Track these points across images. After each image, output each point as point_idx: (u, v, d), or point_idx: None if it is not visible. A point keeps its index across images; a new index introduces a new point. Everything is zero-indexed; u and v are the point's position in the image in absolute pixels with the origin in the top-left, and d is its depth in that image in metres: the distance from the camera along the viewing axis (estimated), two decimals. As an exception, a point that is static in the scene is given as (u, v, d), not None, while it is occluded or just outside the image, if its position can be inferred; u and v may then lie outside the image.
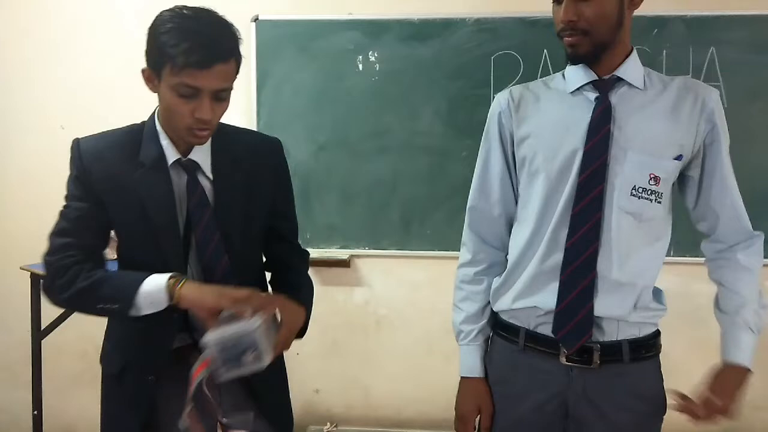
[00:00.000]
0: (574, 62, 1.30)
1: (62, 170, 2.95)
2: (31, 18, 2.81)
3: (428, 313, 2.75)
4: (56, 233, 1.29)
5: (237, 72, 1.21)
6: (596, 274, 1.26)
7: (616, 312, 1.28)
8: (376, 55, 2.66)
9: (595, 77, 1.30)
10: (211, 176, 1.29)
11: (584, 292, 1.26)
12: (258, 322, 1.13)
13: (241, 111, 2.59)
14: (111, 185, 1.25)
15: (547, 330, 1.31)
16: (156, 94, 1.24)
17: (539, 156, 1.32)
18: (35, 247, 2.57)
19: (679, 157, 1.28)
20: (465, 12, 2.61)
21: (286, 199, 1.44)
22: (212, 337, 1.11)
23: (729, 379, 1.28)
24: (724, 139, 1.31)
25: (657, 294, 1.35)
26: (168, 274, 1.20)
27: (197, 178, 1.28)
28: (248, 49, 2.65)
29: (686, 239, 2.59)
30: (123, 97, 2.78)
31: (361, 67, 2.67)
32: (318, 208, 2.72)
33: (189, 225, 1.28)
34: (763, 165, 2.59)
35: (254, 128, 2.54)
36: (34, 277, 2.09)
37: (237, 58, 1.19)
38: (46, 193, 2.82)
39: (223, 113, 1.23)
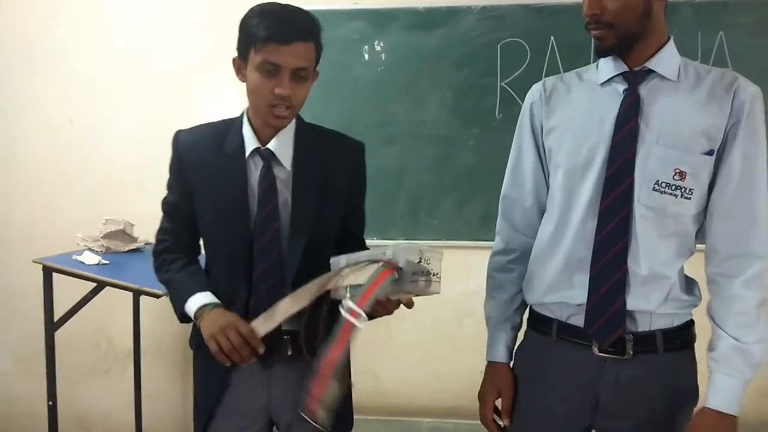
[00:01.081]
0: (602, 55, 1.28)
1: (72, 163, 2.99)
2: (40, 13, 2.82)
3: (437, 301, 2.74)
4: (162, 213, 1.47)
5: (317, 57, 1.30)
6: (627, 268, 1.25)
7: (647, 306, 1.26)
8: (381, 44, 2.66)
9: (626, 68, 1.27)
10: (289, 168, 1.35)
11: (615, 286, 1.25)
12: (442, 251, 1.15)
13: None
14: (198, 172, 1.36)
15: (579, 321, 1.30)
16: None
17: (563, 149, 1.32)
18: (47, 240, 2.62)
19: (710, 152, 1.22)
20: (470, 0, 2.59)
21: (360, 200, 1.49)
22: (398, 251, 1.12)
23: (707, 425, 1.23)
24: (754, 139, 1.22)
25: (690, 284, 1.33)
26: (202, 302, 1.31)
27: (271, 167, 1.34)
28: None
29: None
30: (131, 92, 2.81)
31: (367, 56, 2.67)
32: (326, 199, 2.72)
33: None
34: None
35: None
36: (47, 270, 2.11)
37: (316, 41, 1.28)
38: (57, 186, 2.86)
39: (303, 96, 1.30)
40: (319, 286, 1.20)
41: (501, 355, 1.42)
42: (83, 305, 2.19)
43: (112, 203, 2.77)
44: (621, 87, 1.28)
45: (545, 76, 2.65)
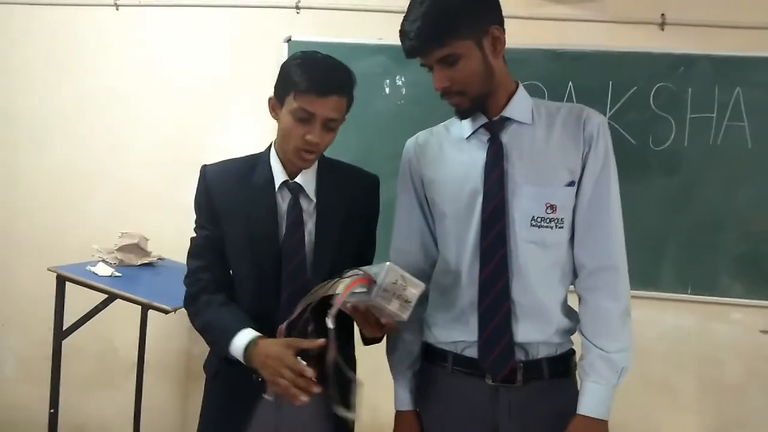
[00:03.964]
0: (463, 117, 1.39)
1: (86, 173, 3.05)
2: (67, 27, 2.92)
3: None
4: (191, 255, 1.48)
5: (347, 110, 1.40)
6: (512, 302, 1.32)
7: (537, 336, 1.34)
8: (402, 79, 2.72)
9: (486, 120, 1.38)
10: (314, 198, 1.43)
11: (502, 322, 1.32)
12: (422, 286, 1.22)
13: (269, 128, 2.64)
14: (226, 203, 1.43)
15: (473, 353, 1.36)
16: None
17: (444, 200, 1.41)
18: (61, 249, 2.67)
19: (571, 183, 1.33)
20: (492, 42, 2.65)
21: (374, 229, 1.56)
22: (383, 268, 1.19)
23: (580, 430, 1.30)
24: (602, 162, 1.33)
25: (570, 313, 1.40)
26: (250, 337, 1.32)
27: (299, 199, 1.43)
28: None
29: (705, 278, 2.60)
30: (153, 109, 2.88)
31: (388, 90, 2.73)
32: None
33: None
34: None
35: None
36: (60, 279, 2.14)
37: (350, 96, 1.38)
38: (72, 195, 2.92)
39: (329, 143, 1.38)
40: (316, 295, 1.30)
41: (406, 403, 1.47)
42: (93, 315, 2.21)
43: (129, 217, 2.83)
44: (485, 137, 1.38)
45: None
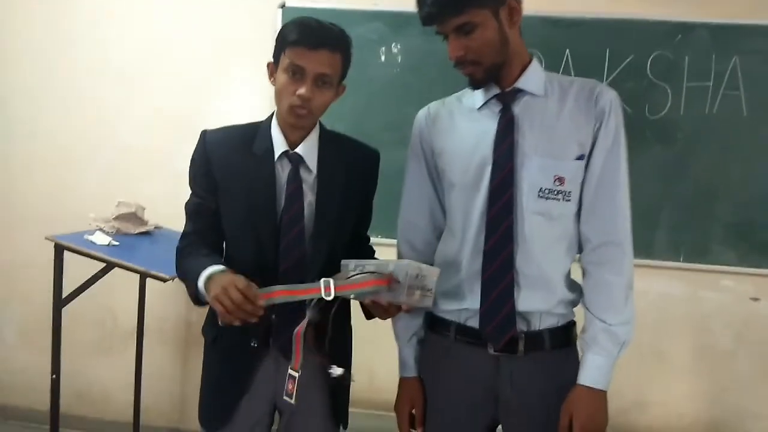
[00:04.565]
0: (476, 87, 1.39)
1: (87, 145, 3.04)
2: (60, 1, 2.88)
3: (436, 303, 2.80)
4: (186, 224, 1.49)
5: (343, 70, 1.39)
6: (516, 272, 1.35)
7: (540, 306, 1.36)
8: (398, 47, 2.70)
9: (498, 91, 1.38)
10: (315, 170, 1.42)
11: (505, 290, 1.34)
12: (438, 270, 1.28)
13: (264, 95, 2.63)
14: (225, 171, 1.41)
15: (475, 323, 1.38)
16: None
17: (454, 170, 1.42)
18: (58, 217, 2.68)
19: (581, 157, 1.35)
20: (489, 9, 2.63)
21: (371, 203, 1.58)
22: (399, 266, 1.25)
23: (580, 399, 1.33)
24: (613, 138, 1.35)
25: (573, 286, 1.42)
26: (209, 272, 1.30)
27: (299, 169, 1.42)
28: (274, 35, 2.66)
29: (694, 246, 2.63)
30: (147, 78, 2.86)
31: (383, 58, 2.71)
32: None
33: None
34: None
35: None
36: (58, 247, 2.16)
37: (344, 53, 1.37)
38: (69, 163, 2.91)
39: (323, 102, 1.37)
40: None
41: (411, 370, 1.51)
42: (91, 284, 2.23)
43: (125, 186, 2.83)
44: (497, 108, 1.39)
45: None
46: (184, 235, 1.48)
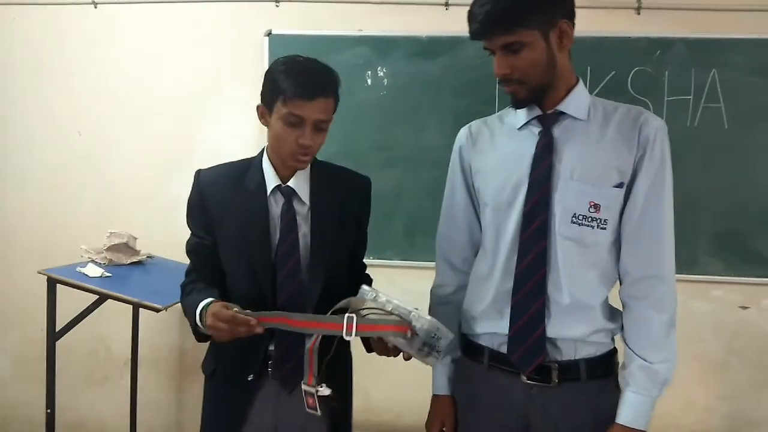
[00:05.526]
0: (518, 107, 1.37)
1: (79, 176, 3.06)
2: (53, 27, 2.91)
3: (430, 322, 2.81)
4: (187, 254, 1.51)
5: (334, 110, 1.42)
6: (547, 298, 1.32)
7: (571, 333, 1.32)
8: (384, 70, 2.74)
9: (540, 113, 1.36)
10: (308, 202, 1.45)
11: (535, 315, 1.32)
12: (453, 336, 1.28)
13: (253, 122, 2.65)
14: (220, 208, 1.44)
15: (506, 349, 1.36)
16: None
17: (488, 189, 1.41)
18: (51, 251, 2.68)
19: (620, 185, 1.31)
20: (472, 30, 2.67)
21: (366, 229, 1.60)
22: (423, 320, 1.26)
23: None
24: (657, 168, 1.31)
25: (613, 313, 1.38)
26: (206, 302, 1.34)
27: (292, 203, 1.44)
28: (261, 62, 2.73)
29: (685, 257, 2.66)
30: (139, 108, 2.89)
31: (369, 81, 2.75)
32: (325, 218, 2.78)
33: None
34: (764, 186, 2.63)
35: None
36: (51, 281, 2.16)
37: (336, 96, 1.40)
38: (63, 198, 2.92)
39: (321, 143, 1.41)
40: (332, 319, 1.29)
41: (443, 388, 1.50)
42: (85, 317, 2.23)
43: (117, 216, 2.84)
44: (536, 129, 1.37)
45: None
46: (187, 273, 1.51)
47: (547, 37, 1.28)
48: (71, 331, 2.24)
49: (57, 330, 2.19)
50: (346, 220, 1.49)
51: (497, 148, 1.42)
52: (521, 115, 1.39)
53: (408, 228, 2.78)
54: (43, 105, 2.92)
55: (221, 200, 1.44)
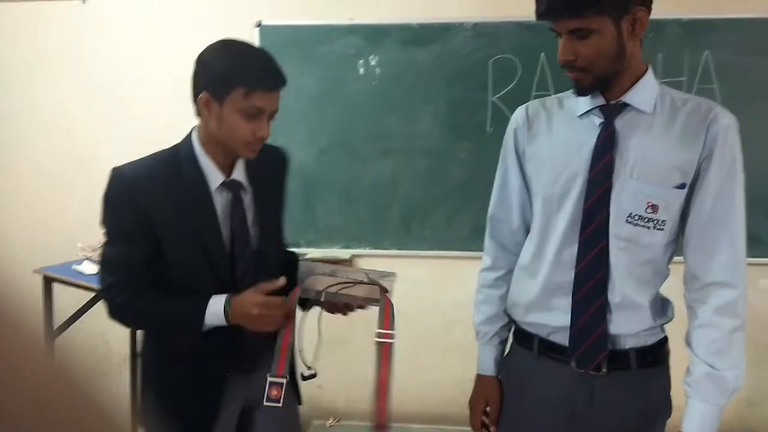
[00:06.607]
0: (580, 95, 1.29)
1: (73, 173, 3.02)
2: (37, 19, 2.88)
3: (428, 310, 2.81)
4: (104, 269, 1.38)
5: None
6: (606, 296, 1.29)
7: (626, 330, 1.30)
8: (376, 59, 2.71)
9: (603, 102, 1.28)
10: (249, 188, 1.43)
11: (597, 313, 1.29)
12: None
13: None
14: (159, 206, 1.33)
15: (559, 339, 1.34)
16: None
17: (541, 178, 1.36)
18: (46, 250, 2.67)
19: (681, 186, 1.24)
20: (463, 17, 2.65)
21: (285, 201, 1.58)
22: (375, 271, 1.40)
23: None
24: (727, 169, 1.23)
25: (664, 306, 1.36)
26: (224, 298, 1.34)
27: (240, 196, 1.40)
28: (252, 54, 2.71)
29: (678, 244, 2.65)
30: (129, 99, 2.86)
31: (362, 71, 2.73)
32: (320, 209, 2.78)
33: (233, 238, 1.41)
34: (759, 168, 2.62)
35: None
36: (47, 280, 2.15)
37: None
38: (57, 196, 2.91)
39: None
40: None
41: (489, 369, 1.49)
42: (81, 314, 2.23)
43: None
44: (598, 120, 1.29)
45: (535, 92, 2.69)
46: (112, 286, 1.35)
47: (618, 25, 1.19)
48: (70, 328, 2.24)
49: (55, 328, 2.19)
50: (280, 197, 1.53)
51: (553, 135, 1.35)
52: (583, 103, 1.31)
53: (404, 217, 2.77)
54: (32, 99, 2.89)
55: (159, 198, 1.33)
